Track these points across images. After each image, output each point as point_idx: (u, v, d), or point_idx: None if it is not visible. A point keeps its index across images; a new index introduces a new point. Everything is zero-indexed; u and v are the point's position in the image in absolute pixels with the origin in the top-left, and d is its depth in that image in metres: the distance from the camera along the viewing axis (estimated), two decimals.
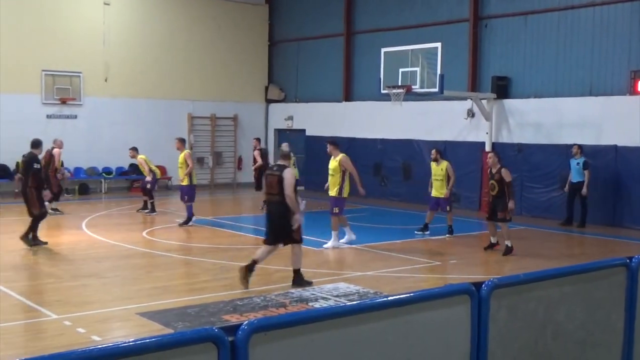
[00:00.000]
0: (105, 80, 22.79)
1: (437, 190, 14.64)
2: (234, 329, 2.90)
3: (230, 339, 2.85)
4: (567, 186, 16.66)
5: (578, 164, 16.33)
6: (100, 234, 14.31)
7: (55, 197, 17.09)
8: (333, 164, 13.14)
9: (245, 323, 2.92)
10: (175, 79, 24.27)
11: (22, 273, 10.55)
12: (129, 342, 2.62)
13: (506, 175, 12.49)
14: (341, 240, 13.32)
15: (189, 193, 15.74)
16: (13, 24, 21.02)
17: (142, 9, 23.68)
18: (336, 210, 13.07)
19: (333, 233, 13.17)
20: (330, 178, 13.22)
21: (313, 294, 9.40)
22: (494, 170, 12.67)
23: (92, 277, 10.74)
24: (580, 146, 16.53)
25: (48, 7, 21.72)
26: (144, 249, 12.84)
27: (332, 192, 13.13)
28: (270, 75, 26.74)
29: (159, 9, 24.03)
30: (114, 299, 9.41)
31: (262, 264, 11.48)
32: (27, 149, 21.02)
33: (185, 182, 15.77)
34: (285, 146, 11.97)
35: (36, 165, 12.70)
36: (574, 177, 16.44)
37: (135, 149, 18.12)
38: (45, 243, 12.79)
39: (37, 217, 12.59)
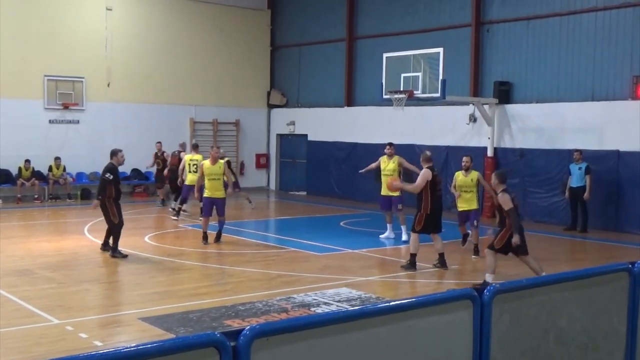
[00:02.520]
0: (108, 86, 22.82)
1: (467, 202, 13.04)
2: (236, 334, 2.90)
3: (232, 344, 2.85)
4: (567, 192, 16.65)
5: (580, 168, 16.31)
6: (102, 239, 14.27)
7: (180, 199, 17.55)
8: (391, 165, 14.49)
9: (247, 328, 2.92)
10: (178, 84, 24.29)
11: (23, 278, 10.54)
12: (130, 347, 2.62)
13: (503, 202, 9.92)
14: (385, 235, 14.77)
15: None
16: (16, 30, 21.06)
17: (145, 14, 23.72)
18: (400, 207, 14.37)
19: (402, 227, 14.46)
20: (383, 178, 14.47)
21: (315, 299, 9.39)
22: (497, 192, 10.24)
23: (94, 282, 10.75)
24: (581, 152, 16.52)
25: (50, 12, 21.76)
26: (145, 254, 12.82)
27: (397, 193, 14.16)
28: (272, 80, 26.76)
29: (161, 14, 24.07)
30: (115, 304, 9.41)
31: (264, 269, 11.50)
32: (28, 153, 21.44)
33: (223, 195, 14.25)
34: (427, 152, 12.05)
35: (107, 175, 12.05)
36: (573, 182, 16.42)
37: (184, 145, 18.07)
38: (126, 256, 12.21)
39: (116, 226, 12.21)
